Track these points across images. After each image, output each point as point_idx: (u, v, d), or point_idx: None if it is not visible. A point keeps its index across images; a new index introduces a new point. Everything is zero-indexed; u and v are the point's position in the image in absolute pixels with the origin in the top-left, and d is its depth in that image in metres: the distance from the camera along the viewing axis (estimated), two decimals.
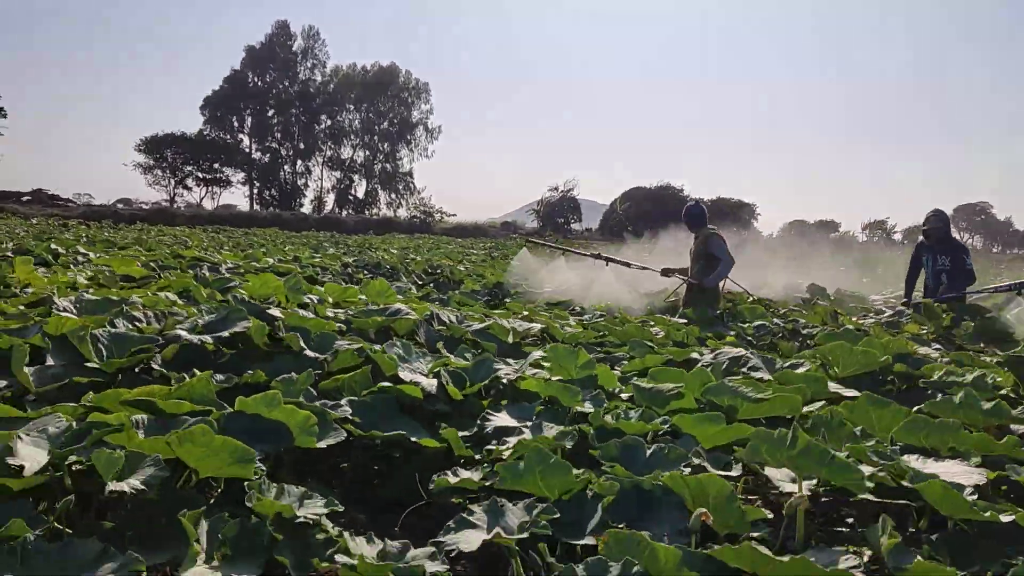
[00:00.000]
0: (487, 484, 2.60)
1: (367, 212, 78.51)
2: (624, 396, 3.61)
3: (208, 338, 3.56)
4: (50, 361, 3.23)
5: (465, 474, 2.65)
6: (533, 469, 2.43)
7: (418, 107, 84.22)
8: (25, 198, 59.20)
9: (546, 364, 3.79)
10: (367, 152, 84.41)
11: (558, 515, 2.15)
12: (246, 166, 76.90)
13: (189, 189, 74.34)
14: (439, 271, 11.68)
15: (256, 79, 77.46)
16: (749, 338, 5.64)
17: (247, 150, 77.53)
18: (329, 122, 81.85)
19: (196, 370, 3.20)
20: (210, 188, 75.36)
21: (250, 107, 76.70)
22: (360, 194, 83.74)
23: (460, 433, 3.03)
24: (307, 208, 78.36)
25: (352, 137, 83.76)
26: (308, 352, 3.64)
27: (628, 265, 9.64)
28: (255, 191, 77.76)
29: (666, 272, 8.92)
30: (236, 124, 77.15)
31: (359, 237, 34.67)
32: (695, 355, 4.53)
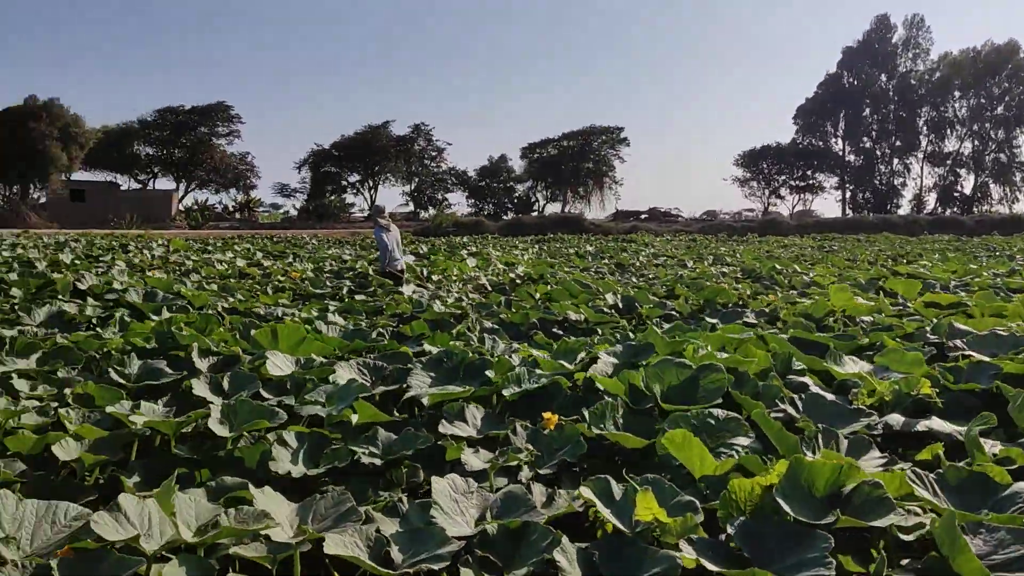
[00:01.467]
0: None
1: (975, 209, 69.54)
2: None
3: None
4: None
5: None
6: None
7: None
8: (643, 216, 67.50)
9: None
10: (976, 142, 74.85)
11: None
12: (838, 170, 75.15)
13: (782, 198, 75.87)
14: None
15: (851, 79, 75.04)
16: None
17: (839, 154, 75.69)
18: (932, 114, 74.86)
19: None
20: (801, 195, 75.75)
21: (844, 109, 74.63)
22: (967, 190, 74.78)
23: None
24: (904, 209, 73.06)
25: (957, 127, 75.18)
26: None
27: None
28: (847, 195, 75.52)
29: None
30: (829, 128, 75.93)
31: (1001, 239, 30.57)
32: None
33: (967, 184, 75.20)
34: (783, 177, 74.60)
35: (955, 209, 71.38)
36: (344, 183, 69.54)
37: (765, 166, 74.03)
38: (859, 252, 18.46)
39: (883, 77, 74.53)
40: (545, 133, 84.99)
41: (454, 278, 10.83)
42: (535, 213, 67.16)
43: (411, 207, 70.48)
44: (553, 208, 70.94)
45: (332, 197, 65.80)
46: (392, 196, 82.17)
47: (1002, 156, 73.90)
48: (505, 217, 61.48)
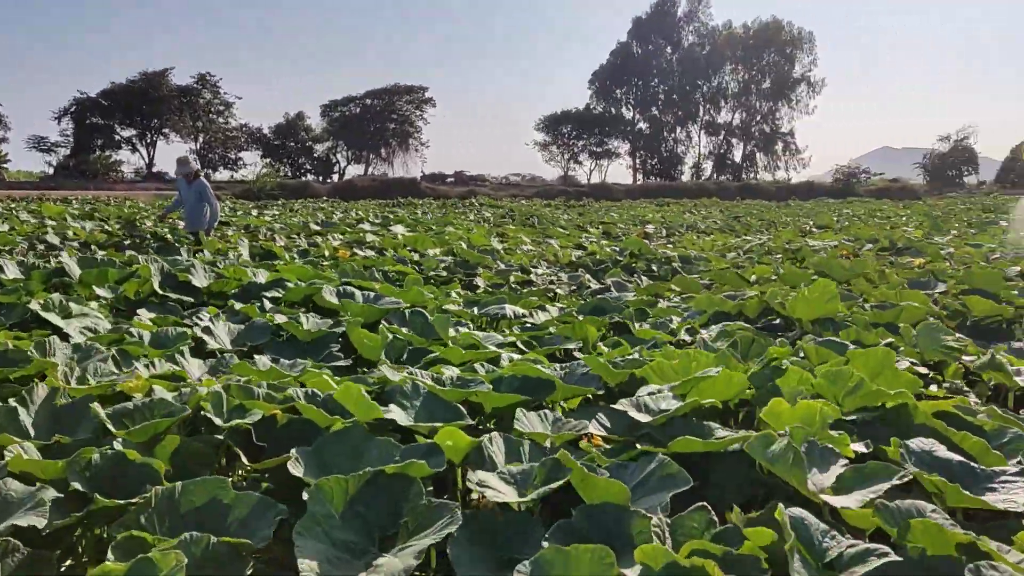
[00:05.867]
0: None
1: (744, 177, 75.25)
2: None
3: None
4: None
5: None
6: None
7: (800, 60, 78.22)
8: (449, 179, 65.51)
9: None
10: (744, 114, 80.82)
11: None
12: (630, 137, 77.71)
13: (581, 164, 77.18)
14: None
15: (639, 49, 77.60)
16: None
17: (632, 121, 78.28)
18: (707, 86, 79.46)
19: None
20: (598, 161, 77.50)
21: (634, 78, 77.13)
22: (737, 158, 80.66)
23: None
24: (686, 176, 77.33)
25: (729, 99, 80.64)
26: None
27: None
28: (638, 161, 78.45)
29: None
30: (621, 96, 78.17)
31: (813, 205, 32.26)
32: None
33: (737, 153, 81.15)
34: (582, 142, 75.74)
35: (728, 176, 76.76)
36: (117, 137, 60.03)
37: (565, 131, 74.66)
38: (772, 218, 17.89)
39: (668, 49, 77.82)
40: (348, 91, 79.49)
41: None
42: (335, 176, 62.72)
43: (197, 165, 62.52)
44: (355, 170, 66.75)
45: (100, 154, 56.52)
46: (177, 153, 72.97)
47: (766, 127, 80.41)
48: (305, 178, 56.58)
